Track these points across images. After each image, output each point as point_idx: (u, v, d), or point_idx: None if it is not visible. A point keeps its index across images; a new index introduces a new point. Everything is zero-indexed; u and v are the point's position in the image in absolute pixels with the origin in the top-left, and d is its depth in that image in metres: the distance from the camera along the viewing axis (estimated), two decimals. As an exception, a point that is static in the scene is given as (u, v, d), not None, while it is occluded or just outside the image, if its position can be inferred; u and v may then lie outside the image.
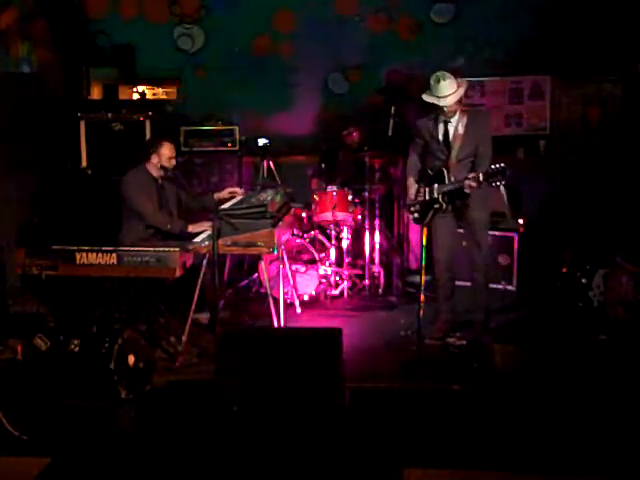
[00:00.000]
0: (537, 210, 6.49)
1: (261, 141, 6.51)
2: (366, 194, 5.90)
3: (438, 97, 4.45)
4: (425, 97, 4.53)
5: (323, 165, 6.26)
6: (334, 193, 5.72)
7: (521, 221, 6.12)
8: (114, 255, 4.22)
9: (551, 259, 5.97)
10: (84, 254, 4.23)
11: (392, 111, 6.11)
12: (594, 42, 6.57)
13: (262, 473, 3.12)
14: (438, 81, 4.43)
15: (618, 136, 6.52)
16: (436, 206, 4.60)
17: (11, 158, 5.79)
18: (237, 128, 6.61)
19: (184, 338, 4.55)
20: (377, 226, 5.95)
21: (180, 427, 3.50)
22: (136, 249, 4.29)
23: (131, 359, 3.70)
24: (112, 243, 4.58)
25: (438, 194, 4.57)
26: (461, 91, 4.48)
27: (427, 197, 4.64)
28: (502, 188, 4.62)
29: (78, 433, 3.43)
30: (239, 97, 6.96)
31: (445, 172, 4.56)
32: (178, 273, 4.23)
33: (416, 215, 4.73)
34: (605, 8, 6.56)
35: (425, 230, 4.40)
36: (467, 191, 4.42)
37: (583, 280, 5.21)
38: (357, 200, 5.88)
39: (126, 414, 3.59)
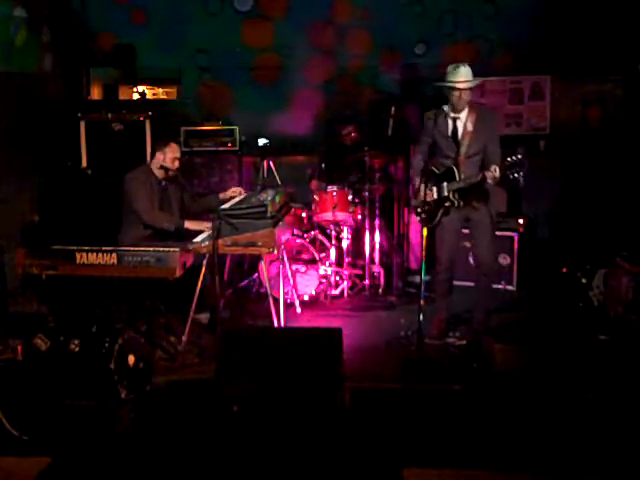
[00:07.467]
0: (537, 210, 6.49)
1: (261, 141, 6.50)
2: (366, 194, 5.90)
3: (456, 81, 4.42)
4: (440, 83, 4.51)
5: (323, 165, 6.26)
6: (334, 193, 5.72)
7: (521, 221, 6.12)
8: (114, 255, 4.23)
9: (551, 259, 5.97)
10: (84, 254, 4.24)
11: (392, 111, 6.11)
12: (594, 42, 6.56)
13: (262, 473, 3.13)
14: (457, 67, 4.43)
15: (618, 136, 6.51)
16: (447, 204, 4.55)
17: (11, 158, 5.79)
18: (237, 128, 6.61)
19: (184, 338, 4.56)
20: (377, 226, 5.95)
21: (180, 427, 3.50)
22: (136, 249, 4.29)
23: (131, 359, 3.70)
24: (112, 243, 4.58)
25: (448, 192, 4.53)
26: (477, 81, 4.51)
27: (435, 196, 4.60)
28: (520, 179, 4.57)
29: (78, 433, 3.43)
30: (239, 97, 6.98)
31: (455, 169, 4.52)
32: (178, 273, 4.24)
33: (424, 216, 4.66)
34: (605, 8, 6.55)
35: (425, 230, 4.39)
36: (490, 181, 4.33)
37: (583, 280, 5.21)
38: (357, 200, 5.88)
39: (126, 414, 3.59)
